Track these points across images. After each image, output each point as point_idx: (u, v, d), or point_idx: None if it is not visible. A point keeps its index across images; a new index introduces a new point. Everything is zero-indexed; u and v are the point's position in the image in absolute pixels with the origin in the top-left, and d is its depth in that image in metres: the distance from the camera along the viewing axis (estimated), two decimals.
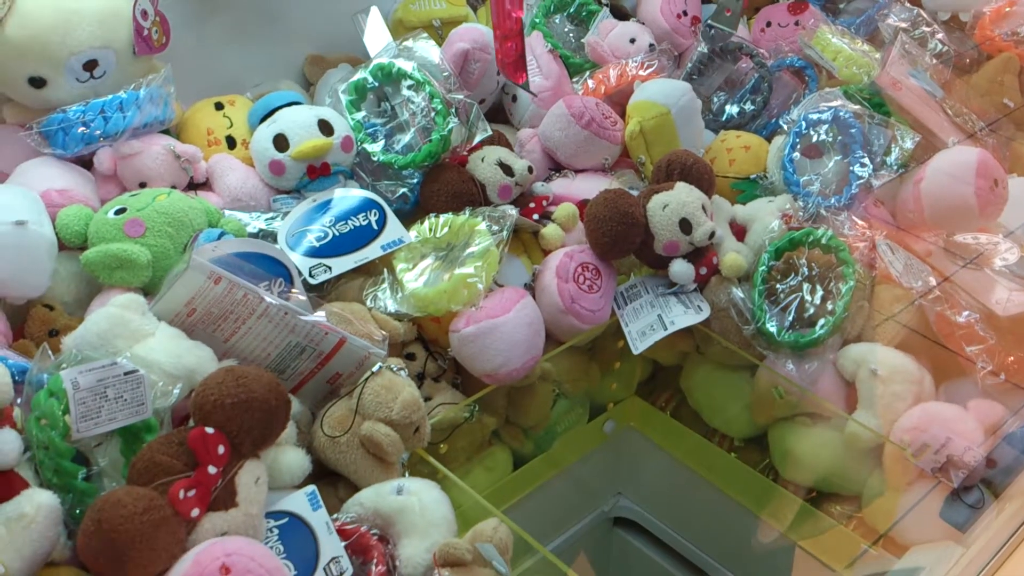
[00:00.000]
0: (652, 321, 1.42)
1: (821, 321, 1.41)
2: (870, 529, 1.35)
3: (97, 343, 1.05)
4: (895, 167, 1.57)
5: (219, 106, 1.60)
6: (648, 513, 1.67)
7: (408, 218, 1.48)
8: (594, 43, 1.87)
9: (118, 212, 1.28)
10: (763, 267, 1.44)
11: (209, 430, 0.93)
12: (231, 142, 1.56)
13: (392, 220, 1.43)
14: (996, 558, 1.20)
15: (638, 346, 1.41)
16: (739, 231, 1.53)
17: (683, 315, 1.42)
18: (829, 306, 1.42)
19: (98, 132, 1.38)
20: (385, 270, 1.38)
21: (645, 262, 1.49)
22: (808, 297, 1.43)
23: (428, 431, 1.21)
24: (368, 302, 1.34)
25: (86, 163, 1.43)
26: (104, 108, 1.38)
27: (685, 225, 1.41)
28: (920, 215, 1.55)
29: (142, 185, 1.42)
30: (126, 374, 0.97)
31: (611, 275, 1.46)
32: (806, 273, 1.43)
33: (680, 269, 1.42)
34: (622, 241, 1.41)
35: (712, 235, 1.43)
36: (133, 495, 0.86)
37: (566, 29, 1.98)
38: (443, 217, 1.41)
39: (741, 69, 1.86)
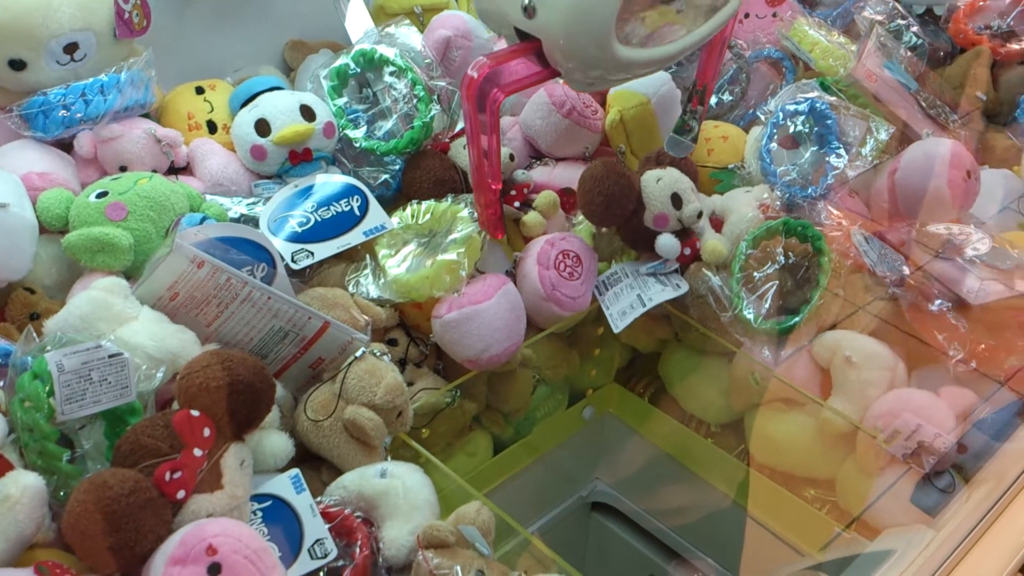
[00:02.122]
0: (632, 300, 1.43)
1: (797, 309, 1.43)
2: (843, 513, 1.37)
3: (80, 326, 1.06)
4: (870, 158, 1.59)
5: (200, 90, 1.59)
6: (625, 497, 1.69)
7: (390, 204, 1.49)
8: None
9: (100, 195, 1.28)
10: (741, 255, 1.45)
11: (195, 413, 0.94)
12: (212, 127, 1.56)
13: (374, 206, 1.43)
14: (966, 541, 1.22)
15: (618, 325, 1.42)
16: (716, 224, 1.55)
17: (661, 292, 1.43)
18: (805, 294, 1.44)
19: (79, 115, 1.37)
20: (367, 256, 1.38)
21: (631, 237, 1.49)
22: (785, 285, 1.45)
23: (411, 415, 1.22)
24: (350, 288, 1.34)
25: (66, 146, 1.42)
26: (85, 91, 1.38)
27: (676, 200, 1.42)
28: (894, 205, 1.58)
29: (122, 169, 1.42)
30: (110, 357, 0.98)
31: (592, 261, 1.47)
32: (783, 262, 1.45)
33: (667, 241, 1.43)
34: (616, 202, 1.40)
35: (699, 215, 1.44)
36: (119, 477, 0.87)
37: None
38: (425, 203, 1.42)
39: None
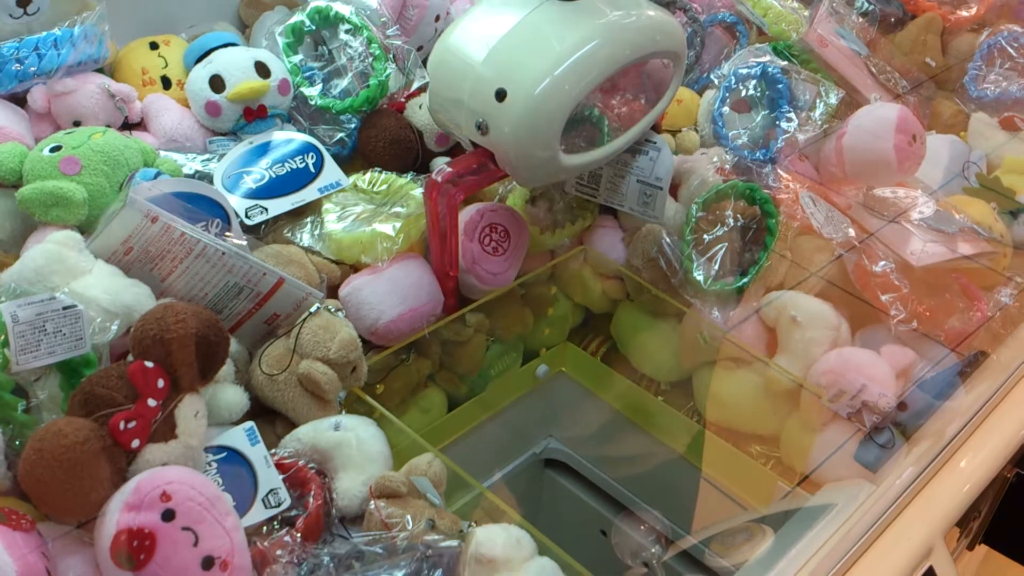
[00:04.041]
0: (639, 191, 1.46)
1: (746, 270, 1.46)
2: (787, 468, 1.41)
3: (34, 279, 1.06)
4: (820, 122, 1.62)
5: (154, 46, 1.58)
6: (578, 454, 1.72)
7: (346, 163, 1.49)
8: None
9: (53, 150, 1.27)
10: (692, 219, 1.48)
11: (149, 364, 0.95)
12: (166, 82, 1.55)
13: (330, 163, 1.44)
14: (905, 495, 1.26)
15: (656, 215, 1.48)
16: (673, 189, 1.57)
17: (654, 164, 1.46)
18: (754, 256, 1.47)
19: (32, 69, 1.36)
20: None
21: None
22: (733, 247, 1.48)
23: (365, 371, 1.23)
24: (285, 232, 1.35)
25: (19, 100, 1.41)
26: (38, 45, 1.36)
27: None
28: (841, 169, 1.61)
29: (76, 123, 1.41)
30: (64, 309, 0.98)
31: (522, 236, 1.46)
32: (732, 224, 1.48)
33: None
34: None
35: None
36: (74, 425, 0.88)
37: None
38: (385, 174, 1.43)
39: None
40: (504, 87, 1.25)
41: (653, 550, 1.31)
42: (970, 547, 1.54)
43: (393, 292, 1.32)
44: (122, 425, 0.91)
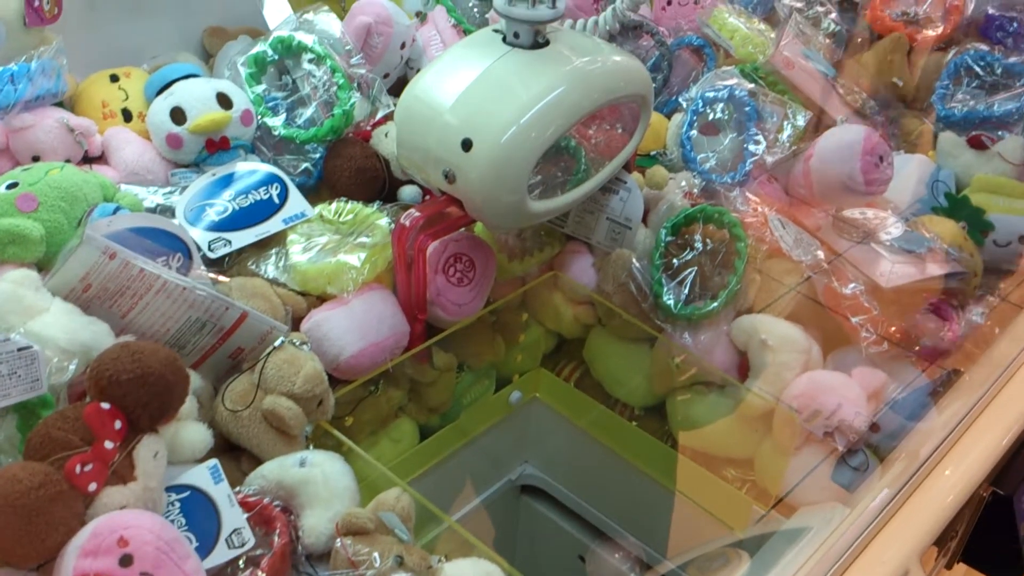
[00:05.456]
0: (607, 228, 1.49)
1: (716, 294, 1.45)
2: (762, 491, 1.40)
3: None
4: (788, 144, 1.62)
5: (114, 78, 1.56)
6: (553, 480, 1.70)
7: (311, 193, 1.47)
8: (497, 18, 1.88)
9: (9, 187, 1.25)
10: (661, 243, 1.47)
11: (105, 406, 0.93)
12: (127, 115, 1.53)
13: (294, 194, 1.42)
14: (879, 518, 1.25)
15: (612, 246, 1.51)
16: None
17: (624, 204, 1.49)
18: (724, 279, 1.46)
19: None
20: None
21: None
22: (703, 271, 1.47)
23: (332, 404, 1.22)
24: (250, 265, 1.33)
25: None
26: None
27: None
28: (810, 190, 1.61)
29: (35, 159, 1.39)
30: (20, 350, 0.96)
31: (488, 266, 1.45)
32: (701, 248, 1.48)
33: None
34: None
35: None
36: (28, 470, 0.85)
37: (470, 3, 1.98)
38: (351, 204, 1.41)
39: (642, 47, 1.89)
40: (470, 136, 1.25)
41: (630, 575, 1.30)
42: (948, 566, 1.53)
43: (354, 327, 1.30)
44: (78, 468, 0.89)
